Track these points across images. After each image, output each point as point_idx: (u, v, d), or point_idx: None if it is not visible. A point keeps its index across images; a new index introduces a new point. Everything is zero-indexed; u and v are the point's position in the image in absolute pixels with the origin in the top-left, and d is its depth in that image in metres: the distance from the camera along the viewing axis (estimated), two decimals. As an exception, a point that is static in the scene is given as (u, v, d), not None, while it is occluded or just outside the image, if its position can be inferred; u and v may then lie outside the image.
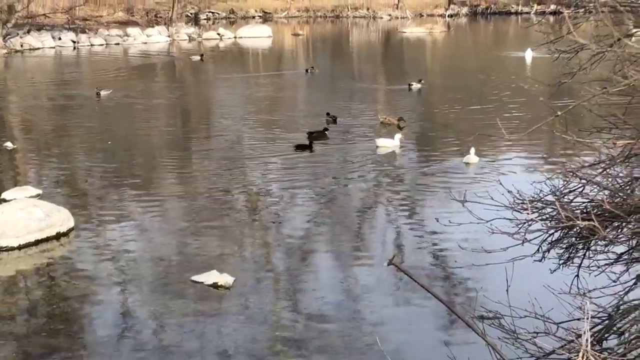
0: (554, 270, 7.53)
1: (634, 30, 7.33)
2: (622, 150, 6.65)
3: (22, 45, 54.68)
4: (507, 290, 6.40)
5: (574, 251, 7.33)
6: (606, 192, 6.78)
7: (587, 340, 4.56)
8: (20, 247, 14.51)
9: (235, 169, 20.56)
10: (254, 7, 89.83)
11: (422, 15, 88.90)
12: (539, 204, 7.04)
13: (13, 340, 10.94)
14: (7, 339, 10.96)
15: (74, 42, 57.90)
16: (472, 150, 20.13)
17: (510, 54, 48.22)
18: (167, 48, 58.73)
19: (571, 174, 7.19)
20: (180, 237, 15.25)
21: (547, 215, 6.89)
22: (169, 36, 63.38)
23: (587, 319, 4.76)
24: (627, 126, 7.08)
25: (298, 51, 59.27)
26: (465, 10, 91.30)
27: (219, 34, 65.92)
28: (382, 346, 10.41)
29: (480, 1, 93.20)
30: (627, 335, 6.19)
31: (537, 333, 6.35)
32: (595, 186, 6.89)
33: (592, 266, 7.14)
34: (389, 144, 22.31)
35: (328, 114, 26.93)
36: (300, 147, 22.45)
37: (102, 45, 58.85)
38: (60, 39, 57.83)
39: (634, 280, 6.84)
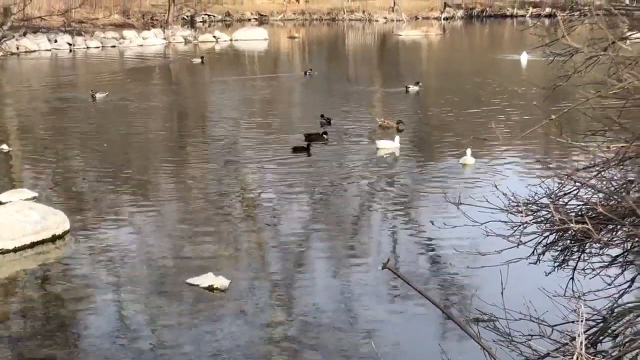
0: (549, 273, 7.53)
1: (629, 34, 7.36)
2: (617, 153, 6.66)
3: (18, 48, 54.60)
4: (502, 293, 6.40)
5: (569, 254, 7.34)
6: (601, 194, 6.79)
7: (581, 343, 4.57)
8: (15, 250, 14.50)
9: (232, 171, 20.57)
10: (249, 9, 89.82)
11: (418, 18, 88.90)
12: (534, 207, 7.05)
13: (8, 342, 10.94)
14: (2, 341, 10.95)
15: (70, 44, 57.83)
16: (469, 151, 20.25)
17: (506, 57, 48.29)
18: (163, 51, 58.69)
19: (566, 176, 7.20)
20: (176, 239, 15.25)
21: (542, 218, 6.89)
22: (164, 39, 63.33)
23: (582, 321, 4.76)
24: (622, 129, 7.09)
25: (294, 54, 59.29)
26: (460, 13, 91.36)
27: (214, 36, 65.90)
28: (377, 349, 10.42)
29: (475, 4, 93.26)
30: (621, 338, 6.20)
31: (532, 336, 6.35)
32: (590, 189, 6.90)
33: (587, 269, 7.14)
34: (389, 146, 22.39)
35: (322, 115, 26.91)
36: (297, 150, 22.43)
37: (98, 47, 58.80)
38: (56, 41, 57.76)
39: (628, 283, 6.85)
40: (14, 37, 55.85)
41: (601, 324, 6.42)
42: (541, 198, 7.17)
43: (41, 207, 15.66)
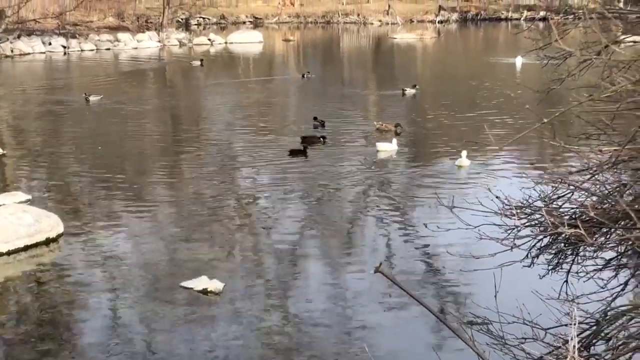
0: (543, 276, 7.53)
1: (622, 37, 7.37)
2: (610, 156, 6.68)
3: (12, 51, 54.55)
4: (495, 296, 6.40)
5: (562, 257, 7.34)
6: (594, 198, 6.80)
7: (574, 346, 4.57)
8: (9, 253, 14.47)
9: (227, 174, 20.56)
10: (244, 12, 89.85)
11: (413, 21, 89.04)
12: (528, 210, 7.05)
13: (2, 346, 10.91)
14: (-5, 345, 10.92)
15: (64, 47, 57.78)
16: (464, 153, 20.45)
17: (500, 60, 48.35)
18: (157, 53, 58.67)
19: (560, 180, 7.21)
20: (170, 242, 15.23)
21: (536, 221, 6.90)
22: (159, 41, 63.32)
23: (575, 325, 4.76)
24: (615, 132, 7.10)
25: (289, 57, 59.29)
26: (455, 16, 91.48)
27: (209, 39, 65.91)
28: (370, 353, 10.41)
29: (470, 7, 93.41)
30: (614, 341, 6.20)
31: (525, 339, 6.35)
32: (583, 192, 6.91)
33: (580, 272, 7.14)
34: (388, 148, 22.46)
35: (315, 118, 26.87)
36: (294, 153, 22.42)
37: (92, 50, 58.77)
38: (50, 44, 57.71)
39: (621, 287, 6.86)
40: (8, 39, 55.79)
41: (594, 327, 6.43)
42: (535, 201, 7.18)
43: (35, 210, 15.63)
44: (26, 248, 14.68)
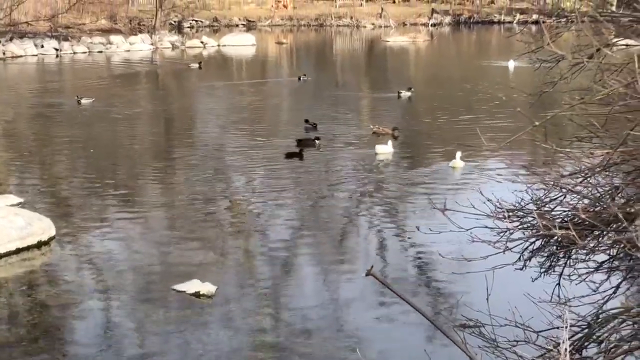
0: (535, 279, 7.53)
1: (614, 40, 7.38)
2: (602, 159, 6.68)
3: (4, 53, 54.41)
4: (487, 299, 6.40)
5: (555, 260, 7.35)
6: (586, 201, 6.81)
7: (566, 349, 4.57)
8: (0, 256, 14.41)
9: (221, 177, 20.54)
10: (237, 15, 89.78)
11: (406, 24, 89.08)
12: (520, 213, 7.06)
13: (-7, 349, 10.87)
14: (-14, 348, 10.88)
15: (56, 49, 57.64)
16: (458, 154, 20.64)
17: (493, 63, 48.44)
18: (150, 56, 58.59)
19: (552, 183, 7.22)
20: (162, 246, 15.19)
21: (528, 224, 6.90)
22: (152, 44, 63.23)
23: (566, 327, 4.76)
24: (607, 135, 7.11)
25: (283, 60, 59.28)
26: (448, 19, 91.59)
27: (202, 42, 65.83)
28: (362, 356, 10.41)
29: (463, 10, 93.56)
30: (606, 344, 6.21)
31: (517, 342, 6.35)
32: (576, 195, 6.92)
33: (572, 275, 7.15)
34: (387, 151, 22.53)
35: (307, 120, 26.82)
36: (290, 155, 22.38)
37: (84, 53, 58.64)
38: (42, 46, 57.56)
39: (613, 289, 6.86)
40: (0, 42, 55.65)
41: (586, 330, 6.43)
42: (527, 204, 7.19)
43: (27, 213, 15.59)
44: (18, 251, 14.63)
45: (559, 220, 6.72)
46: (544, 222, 6.21)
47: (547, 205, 7.16)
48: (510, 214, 6.87)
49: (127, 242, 15.51)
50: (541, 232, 6.31)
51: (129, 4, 78.21)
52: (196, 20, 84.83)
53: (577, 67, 6.90)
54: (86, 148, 24.57)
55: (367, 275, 5.01)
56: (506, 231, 6.90)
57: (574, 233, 5.65)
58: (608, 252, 6.86)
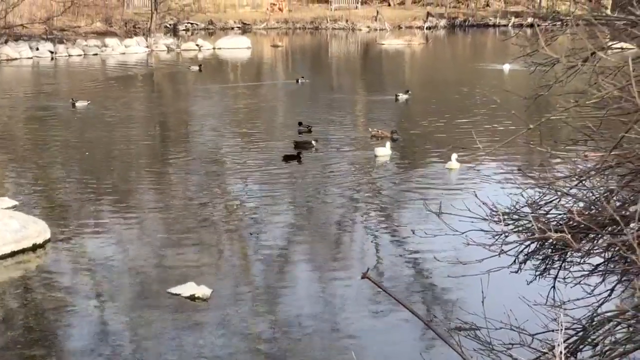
0: (530, 282, 7.55)
1: (609, 44, 7.40)
2: (597, 162, 6.71)
3: (-1, 56, 54.32)
4: (482, 302, 6.41)
5: (550, 263, 7.36)
6: (581, 204, 6.83)
7: (561, 352, 4.58)
8: (-5, 259, 14.40)
9: (217, 180, 20.51)
10: (232, 18, 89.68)
11: (401, 27, 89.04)
12: (515, 216, 7.08)
13: (-13, 353, 10.85)
14: (-19, 351, 10.86)
15: (51, 52, 57.52)
16: (454, 156, 20.71)
17: (488, 67, 48.47)
18: (145, 59, 58.52)
19: (547, 186, 7.23)
20: (157, 248, 15.18)
21: (523, 227, 6.92)
22: (147, 47, 63.11)
23: (561, 330, 4.78)
24: (602, 138, 7.13)
25: (280, 62, 59.26)
26: (443, 22, 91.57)
27: (197, 44, 65.73)
28: (357, 359, 10.40)
29: (458, 14, 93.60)
30: (601, 347, 6.22)
31: (512, 344, 6.36)
32: (571, 198, 6.93)
33: (567, 278, 7.17)
34: (385, 153, 22.59)
35: (300, 123, 26.76)
36: (288, 158, 22.36)
37: (80, 55, 58.52)
38: (37, 49, 57.44)
39: (608, 292, 6.88)
40: (-5, 45, 55.57)
41: (581, 333, 6.45)
42: (522, 207, 7.21)
43: (22, 216, 15.57)
44: (13, 254, 14.60)
45: (554, 223, 6.73)
46: (539, 225, 6.22)
47: (542, 208, 7.18)
48: (506, 217, 6.89)
49: (123, 245, 15.50)
50: (536, 235, 6.32)
51: (124, 7, 78.09)
52: (191, 23, 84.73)
53: (572, 70, 6.92)
54: (81, 151, 24.53)
55: (363, 278, 5.02)
56: (501, 234, 6.91)
57: (569, 236, 5.67)
58: (603, 255, 6.87)
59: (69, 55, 58.19)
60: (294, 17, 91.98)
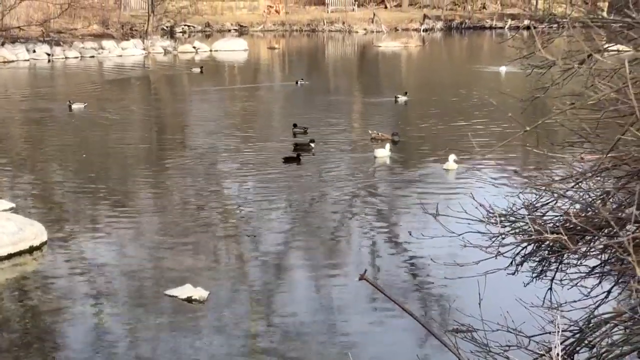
0: (527, 284, 7.56)
1: (606, 46, 7.42)
2: (593, 165, 6.72)
3: (-4, 58, 54.26)
4: (479, 304, 6.42)
5: (547, 265, 7.38)
6: (578, 206, 6.84)
7: (557, 354, 4.58)
8: (-8, 261, 14.39)
9: (215, 182, 20.50)
10: (229, 20, 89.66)
11: (397, 30, 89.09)
12: (512, 218, 7.09)
13: (-16, 355, 10.84)
14: (-22, 354, 10.85)
15: (48, 54, 57.48)
16: (451, 157, 20.74)
17: (485, 69, 48.50)
18: (142, 61, 58.49)
19: (543, 188, 7.25)
20: (154, 251, 15.17)
21: (519, 229, 6.93)
22: (144, 49, 63.10)
23: (558, 332, 4.78)
24: (598, 141, 7.15)
25: (277, 65, 59.26)
26: (440, 24, 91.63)
27: (194, 47, 65.70)
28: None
29: (454, 16, 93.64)
30: (597, 349, 6.23)
31: (509, 347, 6.37)
32: (567, 200, 6.94)
33: (564, 280, 7.18)
34: (385, 154, 22.62)
35: (295, 125, 26.71)
36: (288, 160, 22.33)
37: (76, 58, 58.48)
38: (34, 51, 57.39)
39: (605, 294, 6.89)
40: (-8, 47, 55.53)
41: (578, 335, 6.46)
42: (519, 209, 7.22)
43: (18, 218, 15.55)
44: (9, 256, 14.59)
45: (550, 225, 6.75)
46: (536, 227, 6.23)
47: (538, 210, 7.19)
48: (502, 218, 6.90)
49: (120, 247, 15.49)
50: (533, 237, 6.33)
51: (121, 9, 78.04)
52: (188, 26, 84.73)
53: (569, 72, 6.94)
54: (78, 153, 24.51)
55: (360, 279, 5.02)
56: (498, 236, 6.93)
57: (565, 238, 5.68)
58: (600, 257, 6.89)
59: (66, 58, 58.14)
60: (291, 19, 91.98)
